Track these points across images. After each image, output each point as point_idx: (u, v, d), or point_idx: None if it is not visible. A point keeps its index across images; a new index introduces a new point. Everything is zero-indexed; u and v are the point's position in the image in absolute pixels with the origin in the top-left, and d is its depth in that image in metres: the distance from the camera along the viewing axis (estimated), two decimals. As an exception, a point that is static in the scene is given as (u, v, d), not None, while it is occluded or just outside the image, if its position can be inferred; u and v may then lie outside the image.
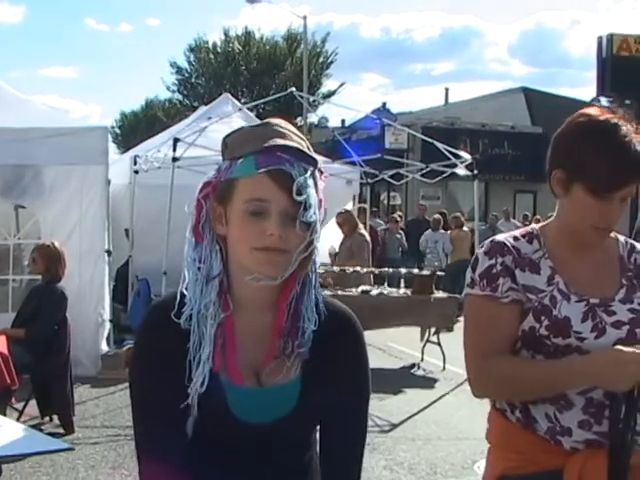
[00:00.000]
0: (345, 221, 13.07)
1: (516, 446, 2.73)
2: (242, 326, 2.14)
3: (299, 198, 1.99)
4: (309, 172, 2.03)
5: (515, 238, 2.79)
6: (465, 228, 20.12)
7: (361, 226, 13.73)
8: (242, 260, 2.06)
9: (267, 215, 2.01)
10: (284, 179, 1.99)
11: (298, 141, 2.09)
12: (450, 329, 12.07)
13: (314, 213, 2.03)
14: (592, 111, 2.72)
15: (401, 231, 20.23)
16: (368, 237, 13.64)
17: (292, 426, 2.15)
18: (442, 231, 19.92)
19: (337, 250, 13.80)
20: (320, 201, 2.08)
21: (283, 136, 2.06)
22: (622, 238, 2.90)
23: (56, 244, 8.49)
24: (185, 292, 2.12)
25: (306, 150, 2.07)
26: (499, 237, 2.82)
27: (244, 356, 2.13)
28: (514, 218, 23.15)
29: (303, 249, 2.05)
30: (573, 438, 2.62)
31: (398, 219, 20.99)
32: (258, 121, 2.16)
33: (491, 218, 23.02)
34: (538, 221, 21.29)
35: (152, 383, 2.12)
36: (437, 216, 20.09)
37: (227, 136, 2.15)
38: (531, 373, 2.64)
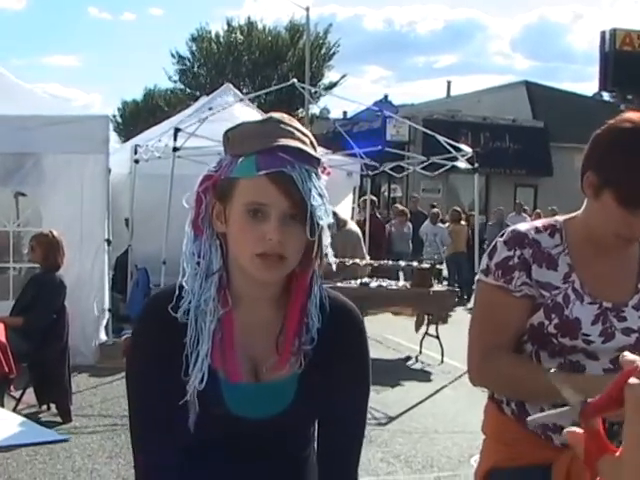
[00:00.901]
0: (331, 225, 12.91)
1: (508, 439, 2.74)
2: (242, 321, 2.12)
3: (300, 202, 1.96)
4: (311, 173, 1.99)
5: (537, 230, 2.73)
6: (462, 222, 20.24)
7: (350, 222, 13.56)
8: (242, 263, 2.04)
9: (267, 218, 1.97)
10: (285, 182, 1.95)
11: (301, 138, 2.03)
12: (445, 321, 12.07)
13: (318, 217, 1.98)
14: (637, 118, 2.58)
15: (409, 223, 19.89)
16: (358, 231, 13.48)
17: (290, 421, 2.14)
18: (441, 224, 19.95)
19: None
20: (323, 199, 2.03)
21: (286, 134, 2.01)
22: None
23: (54, 233, 8.47)
24: (185, 285, 2.10)
25: (308, 150, 2.02)
26: (521, 227, 2.76)
27: (243, 352, 2.11)
28: (516, 212, 22.28)
29: (302, 252, 2.03)
30: (564, 436, 2.60)
31: (407, 212, 20.29)
32: (259, 112, 2.13)
33: (497, 212, 21.95)
34: (539, 215, 21.27)
35: (148, 375, 2.11)
36: (436, 210, 20.05)
37: (229, 130, 2.10)
38: (529, 380, 2.60)
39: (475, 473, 2.88)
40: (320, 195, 1.99)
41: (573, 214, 2.80)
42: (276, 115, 2.08)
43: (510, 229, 2.76)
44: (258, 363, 2.12)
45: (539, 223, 2.79)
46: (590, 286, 2.66)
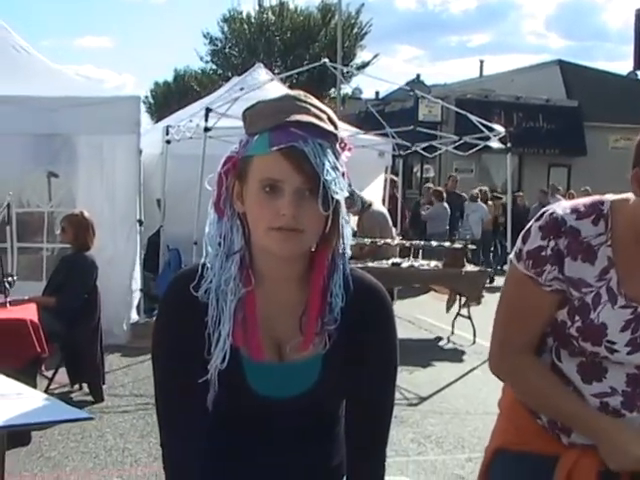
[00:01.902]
0: (349, 205, 12.78)
1: (518, 422, 2.67)
2: (265, 301, 2.12)
3: (313, 176, 1.96)
4: (325, 148, 1.98)
5: (579, 215, 2.44)
6: (490, 202, 20.49)
7: (375, 202, 13.46)
8: (259, 239, 2.04)
9: (281, 194, 1.97)
10: (297, 157, 1.95)
11: (317, 114, 2.02)
12: (479, 302, 12.01)
13: (332, 190, 1.97)
14: None
15: (446, 203, 19.71)
16: (385, 211, 13.40)
17: (315, 401, 2.13)
18: (480, 203, 20.07)
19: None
20: (343, 174, 2.03)
21: (300, 110, 2.00)
22: None
23: (85, 213, 8.50)
24: (208, 265, 2.12)
25: (322, 125, 2.00)
26: (561, 210, 2.46)
27: (266, 332, 2.11)
28: (550, 194, 21.84)
29: (321, 226, 2.02)
30: (572, 439, 2.54)
31: (443, 192, 19.84)
32: (291, 92, 2.12)
33: (540, 195, 21.13)
34: (572, 196, 21.02)
35: (172, 354, 2.12)
36: (476, 191, 20.25)
37: (246, 110, 2.11)
38: (548, 397, 2.51)
39: (486, 449, 2.82)
40: (334, 169, 1.98)
41: (625, 195, 2.50)
42: (292, 92, 2.08)
43: (549, 212, 2.48)
44: (282, 343, 2.12)
45: (582, 205, 2.48)
46: (628, 286, 2.41)
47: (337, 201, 2.00)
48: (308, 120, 1.98)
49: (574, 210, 2.46)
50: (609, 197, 2.52)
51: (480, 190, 20.51)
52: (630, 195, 2.47)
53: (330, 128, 2.02)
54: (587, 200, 2.52)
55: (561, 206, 2.50)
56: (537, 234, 2.46)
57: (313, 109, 2.03)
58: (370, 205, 12.65)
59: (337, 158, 2.02)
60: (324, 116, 2.04)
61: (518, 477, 2.65)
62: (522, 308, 2.54)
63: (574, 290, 2.43)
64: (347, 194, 2.02)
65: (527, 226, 2.52)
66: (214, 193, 2.12)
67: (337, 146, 2.04)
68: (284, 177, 1.96)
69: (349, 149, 2.10)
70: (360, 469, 2.24)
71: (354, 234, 12.39)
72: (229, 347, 2.05)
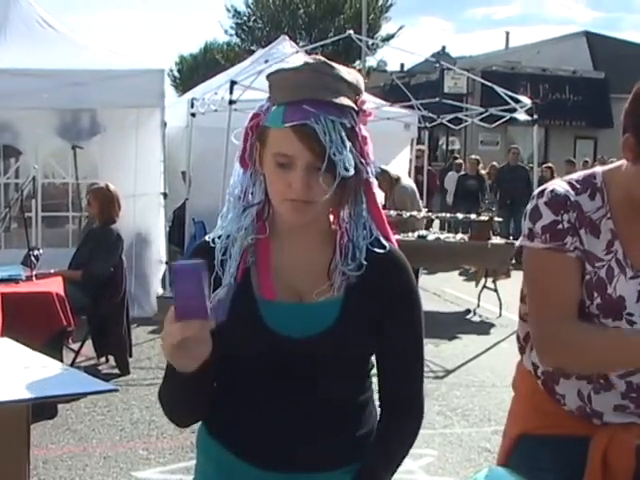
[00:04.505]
0: (379, 180, 12.64)
1: (540, 406, 2.58)
2: (281, 250, 2.18)
3: (323, 154, 2.00)
4: (337, 124, 2.02)
5: (576, 191, 2.41)
6: (482, 172, 20.37)
7: (403, 177, 13.42)
8: (275, 207, 2.13)
9: (293, 168, 2.04)
10: (308, 135, 2.00)
11: (334, 87, 2.05)
12: (508, 275, 11.96)
13: (340, 168, 2.01)
14: None
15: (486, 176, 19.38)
16: (413, 185, 13.36)
17: (336, 341, 2.13)
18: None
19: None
20: (356, 147, 2.08)
21: (317, 84, 2.04)
22: None
23: (110, 186, 8.51)
24: (224, 212, 2.22)
25: (337, 100, 2.04)
26: (558, 187, 2.42)
27: (282, 277, 2.16)
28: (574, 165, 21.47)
29: (331, 195, 2.06)
30: (605, 419, 2.48)
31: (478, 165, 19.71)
32: (311, 60, 2.12)
33: (568, 166, 20.08)
34: (603, 164, 20.77)
35: None
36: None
37: (270, 74, 2.14)
38: (601, 346, 2.36)
39: (504, 434, 2.74)
40: (344, 146, 2.02)
41: (613, 165, 2.49)
42: (312, 61, 2.11)
43: (549, 189, 2.42)
44: (301, 291, 2.16)
45: (576, 181, 2.45)
46: (633, 256, 2.39)
47: (346, 177, 2.05)
48: (321, 98, 2.02)
49: (571, 187, 2.42)
50: (599, 169, 2.50)
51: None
52: (621, 162, 2.44)
53: (345, 101, 2.06)
54: (578, 175, 2.50)
55: (557, 183, 2.46)
56: (547, 210, 2.40)
57: (331, 81, 2.06)
58: (398, 179, 12.64)
59: (353, 129, 2.07)
60: (343, 86, 2.07)
61: (546, 459, 2.55)
62: (553, 283, 2.41)
63: (588, 264, 2.39)
64: (352, 171, 2.05)
65: (529, 206, 2.46)
66: (240, 147, 2.19)
67: (354, 116, 2.09)
68: (295, 153, 2.02)
69: (369, 114, 2.14)
70: (391, 421, 2.26)
71: (383, 207, 12.37)
72: (234, 283, 2.11)
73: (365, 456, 2.20)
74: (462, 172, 20.17)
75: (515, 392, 2.76)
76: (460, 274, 15.64)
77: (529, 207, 2.46)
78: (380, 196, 12.95)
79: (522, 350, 2.69)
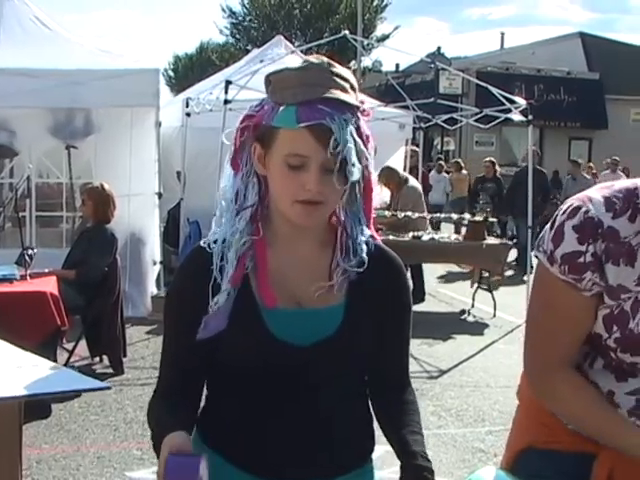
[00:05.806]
0: (389, 179, 12.65)
1: (544, 419, 2.44)
2: (278, 254, 2.17)
3: (338, 153, 1.99)
4: (349, 123, 2.02)
5: (615, 214, 2.14)
6: (464, 171, 21.95)
7: (411, 178, 13.43)
8: (283, 210, 2.10)
9: (306, 169, 2.02)
10: (324, 134, 1.99)
11: (341, 85, 2.05)
12: (502, 275, 11.97)
13: (354, 167, 2.02)
14: None
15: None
16: (419, 187, 13.37)
17: (338, 348, 2.13)
18: (444, 174, 21.81)
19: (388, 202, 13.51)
20: (365, 144, 2.09)
21: (326, 83, 2.03)
22: None
23: (105, 186, 8.50)
24: (217, 216, 2.20)
25: (348, 99, 2.03)
26: (594, 208, 2.15)
27: (280, 281, 2.14)
28: (586, 171, 20.68)
29: (339, 196, 2.08)
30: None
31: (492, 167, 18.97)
32: (314, 60, 2.11)
33: (572, 168, 19.94)
34: (591, 169, 20.62)
35: (182, 311, 2.17)
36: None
37: (271, 74, 2.11)
38: (579, 410, 2.30)
39: (507, 445, 2.63)
40: (357, 146, 2.03)
41: None
42: (316, 61, 2.09)
43: (582, 210, 2.16)
44: (299, 295, 2.15)
45: (615, 197, 2.17)
46: None
47: (357, 176, 2.06)
48: (335, 97, 2.01)
49: (609, 207, 2.16)
50: None
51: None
52: None
53: (354, 101, 2.06)
54: (620, 189, 2.21)
55: (594, 201, 2.18)
56: (572, 236, 2.16)
57: (338, 80, 2.06)
58: (407, 180, 12.70)
59: (359, 128, 2.07)
60: (347, 85, 2.07)
61: (549, 474, 2.42)
62: (561, 319, 2.27)
63: (609, 298, 2.19)
64: (359, 173, 2.07)
65: (556, 221, 2.22)
66: (231, 149, 2.17)
67: (358, 114, 2.08)
68: (310, 153, 2.01)
69: (367, 114, 2.13)
70: (394, 398, 2.27)
71: (387, 207, 12.41)
72: (232, 290, 2.08)
73: (399, 432, 2.16)
74: (480, 174, 19.74)
75: (520, 402, 2.65)
76: (455, 275, 15.64)
77: (556, 223, 2.22)
78: (385, 195, 13.01)
79: None
